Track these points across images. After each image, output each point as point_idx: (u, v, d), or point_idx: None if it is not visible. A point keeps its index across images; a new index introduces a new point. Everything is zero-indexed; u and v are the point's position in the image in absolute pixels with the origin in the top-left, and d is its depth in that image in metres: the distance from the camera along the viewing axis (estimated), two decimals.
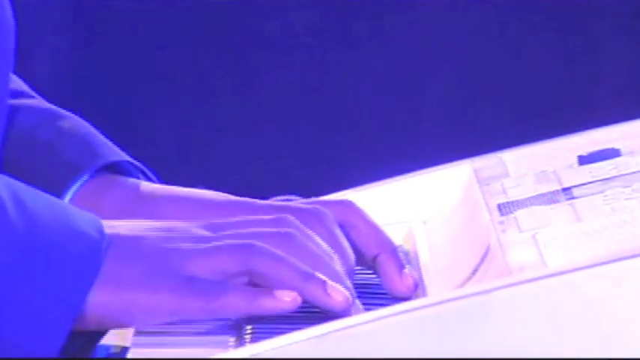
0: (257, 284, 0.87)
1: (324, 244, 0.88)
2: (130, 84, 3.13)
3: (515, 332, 0.71)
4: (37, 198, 0.83)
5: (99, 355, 0.89)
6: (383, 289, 0.93)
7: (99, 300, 0.84)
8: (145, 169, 1.06)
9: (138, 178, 1.04)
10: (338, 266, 0.88)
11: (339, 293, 0.84)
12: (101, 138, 1.06)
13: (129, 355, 0.84)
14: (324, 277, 0.85)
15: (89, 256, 0.82)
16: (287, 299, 0.84)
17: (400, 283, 0.90)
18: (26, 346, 0.80)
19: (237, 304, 0.85)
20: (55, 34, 3.07)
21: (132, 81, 3.12)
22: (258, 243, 0.85)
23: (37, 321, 0.80)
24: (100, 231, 0.84)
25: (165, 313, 0.86)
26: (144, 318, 0.86)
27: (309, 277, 0.84)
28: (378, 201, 0.96)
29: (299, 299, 0.84)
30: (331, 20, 3.26)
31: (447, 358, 0.70)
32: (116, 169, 1.03)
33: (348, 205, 0.94)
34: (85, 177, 0.99)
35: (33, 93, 1.10)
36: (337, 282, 0.86)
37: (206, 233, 0.88)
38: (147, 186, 1.02)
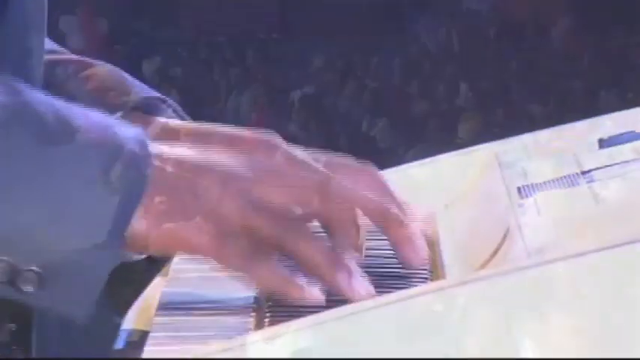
0: None
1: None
2: None
3: (534, 314, 0.72)
4: (80, 115, 0.83)
5: (121, 340, 0.90)
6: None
7: (141, 228, 0.84)
8: (177, 107, 1.08)
9: (169, 115, 1.05)
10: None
11: (363, 287, 0.85)
12: (132, 79, 1.08)
13: (149, 340, 0.86)
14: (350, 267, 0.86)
15: (133, 182, 0.83)
16: (314, 299, 0.85)
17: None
18: (83, 266, 0.82)
19: (268, 277, 0.86)
20: None
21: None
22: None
23: (88, 237, 0.82)
24: (145, 149, 0.84)
25: (203, 253, 0.87)
26: (183, 250, 0.89)
27: (337, 265, 0.85)
28: (400, 185, 0.97)
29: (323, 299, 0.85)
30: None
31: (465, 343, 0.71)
32: (149, 106, 1.05)
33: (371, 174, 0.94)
34: (120, 114, 1.00)
35: (64, 49, 1.12)
36: None
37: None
38: (177, 124, 1.03)
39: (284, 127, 9.08)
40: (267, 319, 0.88)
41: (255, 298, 0.91)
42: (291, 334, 0.73)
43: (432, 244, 0.96)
